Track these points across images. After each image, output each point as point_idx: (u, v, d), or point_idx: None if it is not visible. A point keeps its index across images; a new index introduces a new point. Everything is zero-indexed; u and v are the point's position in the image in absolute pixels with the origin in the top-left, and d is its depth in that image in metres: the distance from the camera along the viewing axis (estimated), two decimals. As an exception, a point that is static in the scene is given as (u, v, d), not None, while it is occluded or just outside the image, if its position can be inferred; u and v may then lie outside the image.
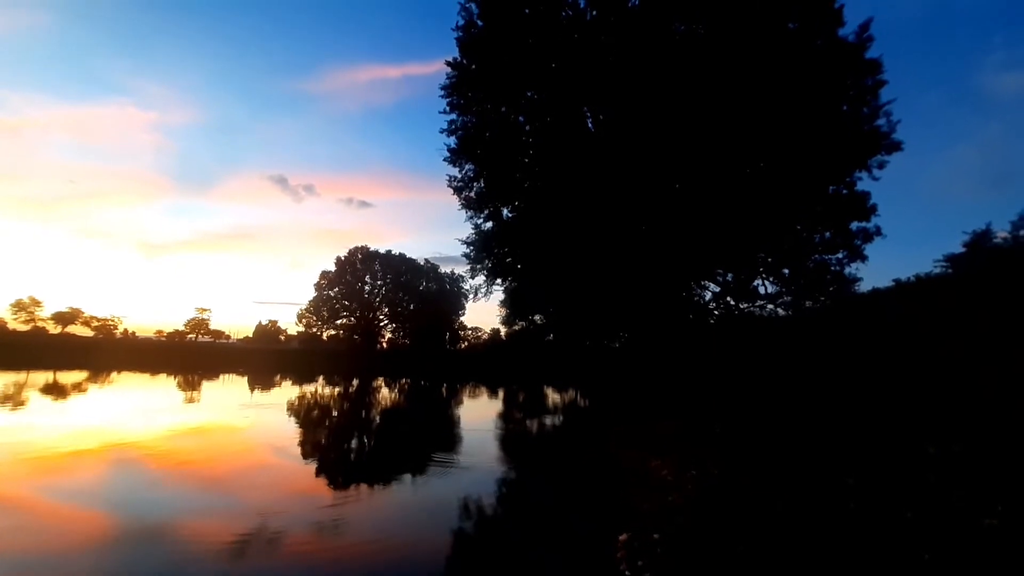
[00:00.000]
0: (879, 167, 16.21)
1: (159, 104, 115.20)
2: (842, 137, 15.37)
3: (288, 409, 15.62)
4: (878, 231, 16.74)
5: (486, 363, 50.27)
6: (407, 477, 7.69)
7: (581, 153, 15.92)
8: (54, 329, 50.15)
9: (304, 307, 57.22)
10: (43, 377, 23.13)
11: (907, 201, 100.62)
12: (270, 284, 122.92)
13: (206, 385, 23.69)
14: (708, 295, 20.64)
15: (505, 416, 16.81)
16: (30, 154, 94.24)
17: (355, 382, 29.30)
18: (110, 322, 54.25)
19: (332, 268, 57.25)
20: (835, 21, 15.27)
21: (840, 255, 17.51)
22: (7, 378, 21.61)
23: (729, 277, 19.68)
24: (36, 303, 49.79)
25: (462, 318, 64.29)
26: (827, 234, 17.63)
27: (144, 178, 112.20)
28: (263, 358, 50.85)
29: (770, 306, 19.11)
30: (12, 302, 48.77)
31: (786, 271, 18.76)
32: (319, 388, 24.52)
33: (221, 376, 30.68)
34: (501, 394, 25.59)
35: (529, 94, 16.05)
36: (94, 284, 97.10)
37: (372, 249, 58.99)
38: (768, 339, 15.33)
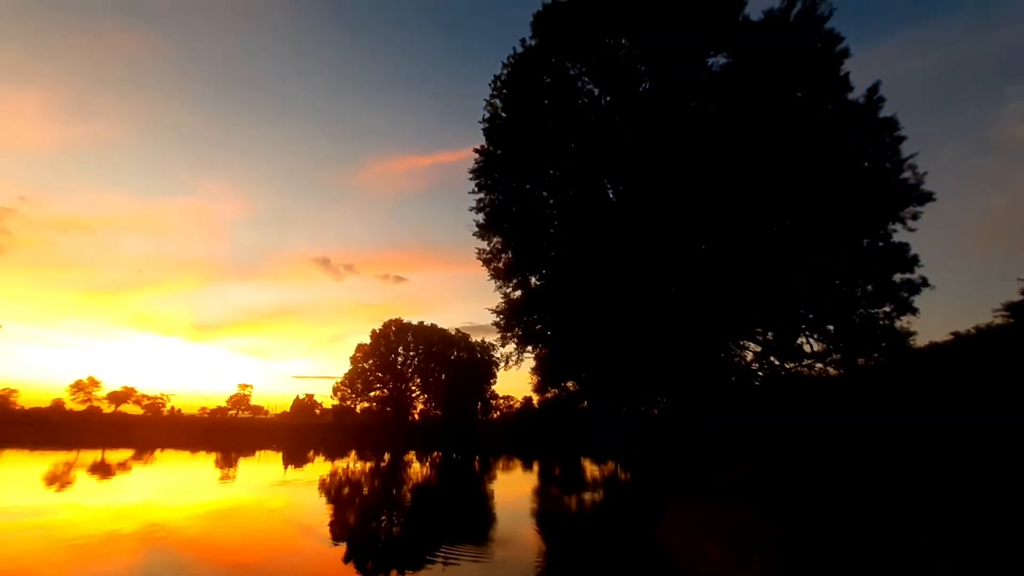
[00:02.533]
0: (913, 218, 15.88)
1: (216, 199, 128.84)
2: (867, 192, 15.34)
3: (319, 487, 15.38)
4: (924, 282, 15.98)
5: (519, 433, 48.44)
6: (438, 566, 7.28)
7: (604, 222, 16.46)
8: (108, 408, 52.60)
9: (340, 380, 58.05)
10: (92, 456, 23.94)
11: (957, 252, 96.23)
12: (311, 359, 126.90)
13: (242, 462, 23.80)
14: (749, 356, 19.74)
15: (541, 492, 15.89)
16: (102, 248, 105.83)
17: (386, 457, 28.70)
18: (159, 400, 56.54)
19: (368, 341, 58.67)
20: (842, 87, 15.92)
21: (887, 308, 16.67)
22: (58, 458, 22.50)
23: (769, 336, 18.90)
24: (95, 383, 52.86)
25: (493, 386, 63.31)
26: (869, 287, 16.95)
27: (200, 265, 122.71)
28: (298, 433, 51.07)
29: (818, 365, 18.01)
30: (72, 383, 51.93)
31: (831, 327, 17.89)
32: (350, 464, 24.13)
33: (257, 452, 30.79)
34: (536, 467, 24.34)
35: (551, 171, 17.10)
36: (149, 364, 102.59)
37: (405, 321, 60.50)
38: (820, 400, 14.29)
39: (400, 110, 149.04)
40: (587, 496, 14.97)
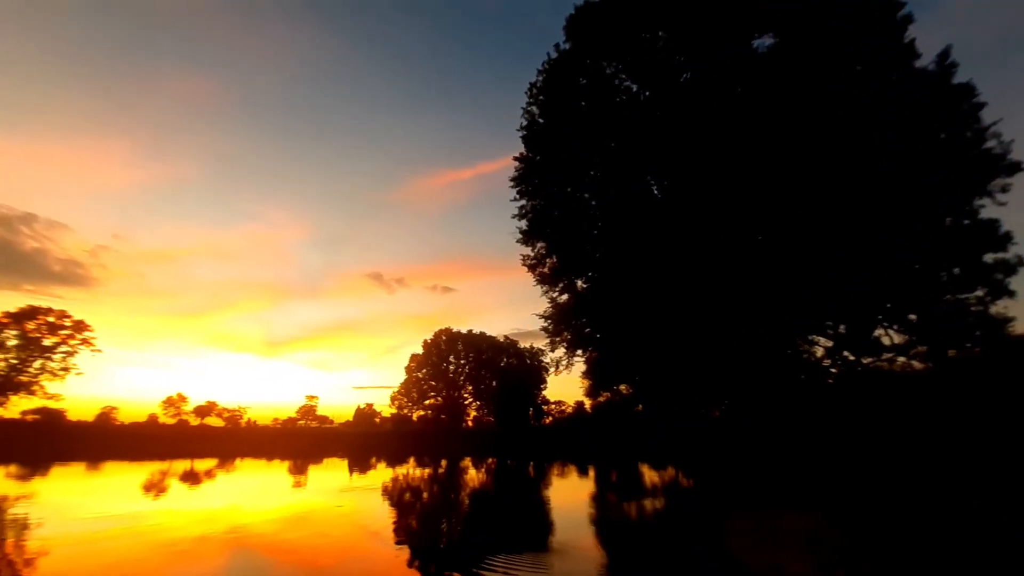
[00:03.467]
0: (1002, 191, 14.22)
1: (280, 224, 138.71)
2: (947, 166, 13.93)
3: (382, 492, 15.98)
4: (1021, 261, 14.23)
5: (572, 438, 47.81)
6: (498, 568, 7.35)
7: (650, 219, 16.07)
8: (194, 421, 57.68)
9: (396, 389, 60.23)
10: (182, 465, 26.30)
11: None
12: (369, 370, 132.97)
13: (311, 469, 25.23)
14: (819, 351, 18.37)
15: (598, 499, 15.59)
16: (184, 276, 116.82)
17: (443, 463, 29.33)
18: (237, 413, 61.22)
19: (420, 351, 60.50)
20: (908, 55, 14.63)
21: (979, 292, 14.97)
22: (154, 467, 24.94)
23: (842, 329, 17.52)
24: (182, 399, 58.19)
25: (544, 392, 63.05)
26: (956, 270, 15.32)
27: (268, 287, 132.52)
28: (360, 440, 53.37)
29: (901, 358, 16.46)
30: (163, 399, 57.47)
31: (913, 316, 16.31)
32: (410, 470, 24.89)
33: (324, 459, 32.52)
34: (591, 473, 23.91)
35: (592, 173, 16.97)
36: (227, 379, 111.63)
37: (455, 330, 61.81)
38: (905, 398, 13.04)
39: (438, 127, 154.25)
40: (647, 503, 14.50)
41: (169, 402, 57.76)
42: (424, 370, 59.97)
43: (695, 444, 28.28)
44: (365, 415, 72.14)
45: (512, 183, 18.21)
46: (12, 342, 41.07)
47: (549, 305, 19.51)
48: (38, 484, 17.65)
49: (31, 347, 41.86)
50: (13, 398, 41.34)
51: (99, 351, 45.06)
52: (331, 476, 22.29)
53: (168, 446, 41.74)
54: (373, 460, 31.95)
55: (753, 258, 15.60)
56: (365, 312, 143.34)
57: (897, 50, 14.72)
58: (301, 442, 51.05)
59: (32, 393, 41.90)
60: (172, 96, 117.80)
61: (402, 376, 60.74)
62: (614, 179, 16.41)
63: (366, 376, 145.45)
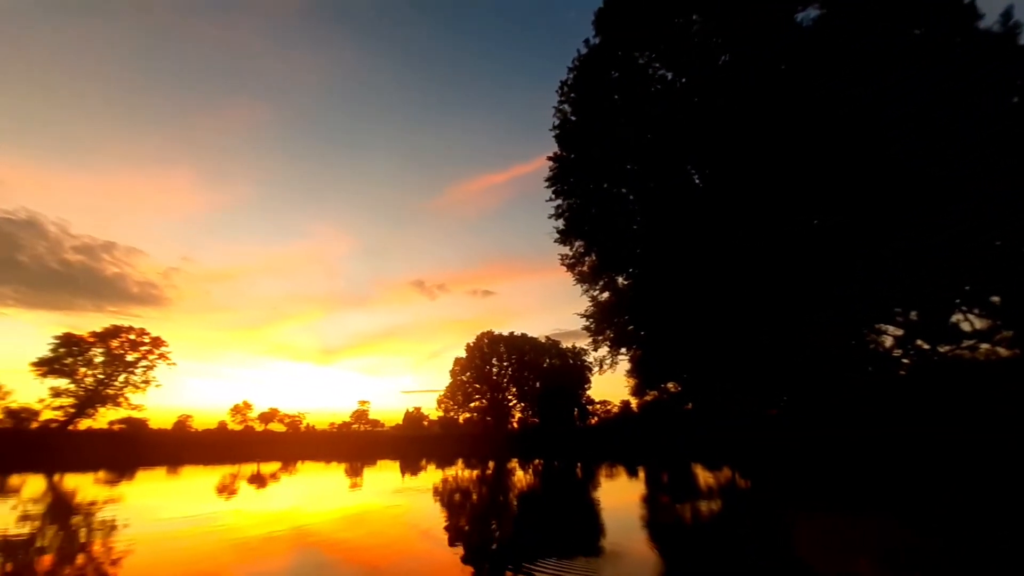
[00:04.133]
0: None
1: (327, 239, 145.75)
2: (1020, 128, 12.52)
3: (433, 493, 16.31)
4: None
5: (619, 438, 46.85)
6: (549, 571, 7.29)
7: (692, 209, 15.47)
8: (259, 427, 61.46)
9: (442, 393, 61.44)
10: (250, 469, 28.03)
11: None
12: (415, 374, 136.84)
13: (366, 471, 26.19)
14: (888, 341, 16.96)
15: (650, 501, 15.16)
16: (244, 292, 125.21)
17: (490, 464, 29.57)
18: (297, 418, 64.63)
19: (464, 355, 61.41)
20: (969, 16, 13.31)
21: (1078, 269, 13.30)
22: (224, 471, 26.74)
23: (913, 315, 16.12)
24: (248, 406, 62.17)
25: (588, 392, 62.24)
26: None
27: (320, 298, 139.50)
28: (410, 443, 54.90)
29: (984, 345, 14.91)
30: (231, 407, 61.63)
31: (996, 298, 14.76)
32: (459, 472, 25.27)
33: (378, 461, 33.67)
34: (641, 474, 23.29)
35: (628, 167, 16.56)
36: (287, 387, 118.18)
37: (497, 333, 62.28)
38: (989, 388, 11.80)
39: (472, 132, 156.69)
40: (703, 505, 13.94)
41: (236, 409, 61.89)
42: (468, 373, 60.80)
43: (752, 443, 26.91)
44: (414, 418, 74.08)
45: (547, 183, 18.10)
46: (99, 359, 45.55)
47: (590, 304, 19.24)
48: (124, 488, 19.37)
49: (116, 363, 46.23)
50: (101, 410, 45.84)
51: (174, 364, 49.35)
52: (384, 478, 23.02)
53: (236, 451, 44.72)
54: (423, 462, 32.72)
55: (809, 241, 14.61)
56: (409, 319, 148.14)
57: (957, 12, 13.41)
58: (355, 445, 53.17)
59: (118, 405, 46.33)
60: (228, 124, 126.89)
61: (447, 380, 61.96)
62: (652, 171, 15.91)
63: (413, 380, 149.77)
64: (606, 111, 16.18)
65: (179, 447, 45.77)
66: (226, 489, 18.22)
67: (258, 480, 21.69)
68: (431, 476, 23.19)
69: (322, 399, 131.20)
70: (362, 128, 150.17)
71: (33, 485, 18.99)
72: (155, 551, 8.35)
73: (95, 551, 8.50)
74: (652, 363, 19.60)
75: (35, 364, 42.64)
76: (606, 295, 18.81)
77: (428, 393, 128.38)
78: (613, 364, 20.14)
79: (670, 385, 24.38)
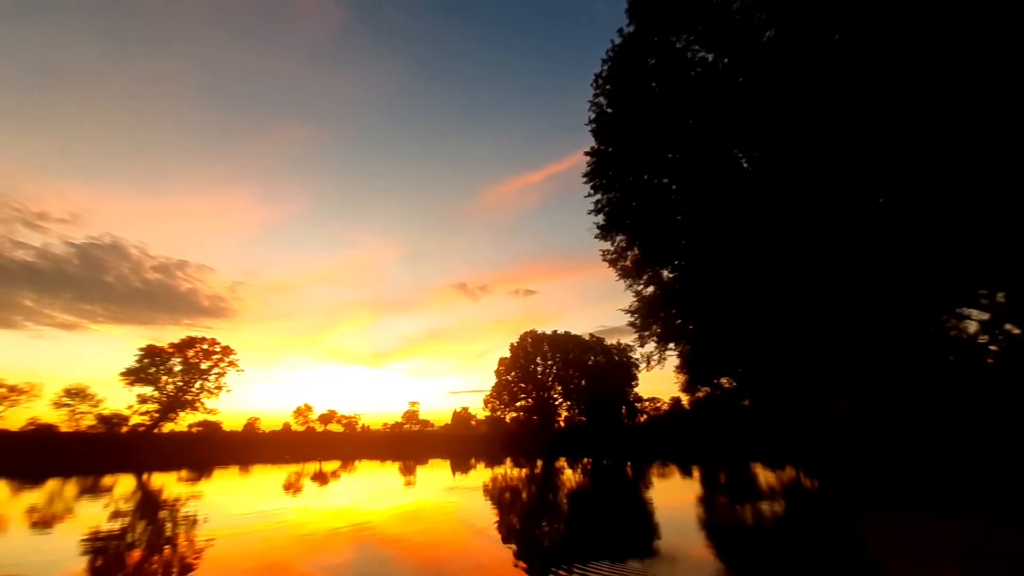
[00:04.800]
0: None
1: (373, 248, 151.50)
2: None
3: (484, 492, 16.54)
4: None
5: (670, 436, 45.41)
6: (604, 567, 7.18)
7: (742, 194, 14.67)
8: (319, 428, 64.85)
9: (488, 393, 62.10)
10: (312, 467, 29.63)
11: None
12: (461, 375, 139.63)
13: (419, 469, 26.99)
14: (972, 327, 15.34)
15: (706, 502, 14.59)
16: (300, 301, 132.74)
17: (539, 463, 29.57)
18: (353, 419, 67.63)
19: (508, 354, 61.79)
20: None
21: None
22: (289, 470, 28.42)
23: (1000, 297, 14.49)
24: (309, 408, 65.78)
25: (636, 389, 60.74)
26: None
27: (369, 304, 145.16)
28: (459, 443, 56.05)
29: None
30: (294, 409, 65.47)
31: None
32: (507, 470, 25.46)
33: (429, 460, 34.61)
34: (696, 474, 22.45)
35: (670, 155, 15.98)
36: (343, 389, 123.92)
37: (540, 332, 62.16)
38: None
39: (504, 135, 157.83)
40: (765, 507, 13.23)
41: (298, 412, 65.68)
42: (513, 373, 61.10)
43: (818, 441, 25.25)
44: (461, 418, 75.42)
45: (585, 179, 17.78)
46: (178, 367, 49.87)
47: (634, 299, 18.73)
48: (204, 485, 21.03)
49: (192, 371, 50.47)
50: (182, 414, 50.15)
51: (242, 371, 53.29)
52: (436, 476, 23.62)
53: (300, 450, 47.52)
54: (472, 461, 33.25)
55: (876, 220, 13.45)
56: (454, 321, 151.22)
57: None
58: (407, 445, 54.93)
59: (195, 409, 50.56)
60: (278, 146, 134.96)
61: (493, 380, 62.53)
62: (696, 158, 15.23)
63: (459, 381, 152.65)
64: (644, 100, 15.69)
65: (249, 447, 49.22)
66: (292, 486, 19.36)
67: (320, 478, 22.90)
68: (480, 475, 23.53)
69: (374, 401, 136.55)
70: (400, 138, 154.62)
71: (124, 484, 21.04)
72: (232, 544, 9.02)
73: (180, 544, 9.31)
74: (703, 358, 18.78)
75: (123, 374, 47.43)
76: (651, 289, 18.26)
77: (474, 393, 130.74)
78: (661, 360, 19.52)
79: (724, 380, 23.34)
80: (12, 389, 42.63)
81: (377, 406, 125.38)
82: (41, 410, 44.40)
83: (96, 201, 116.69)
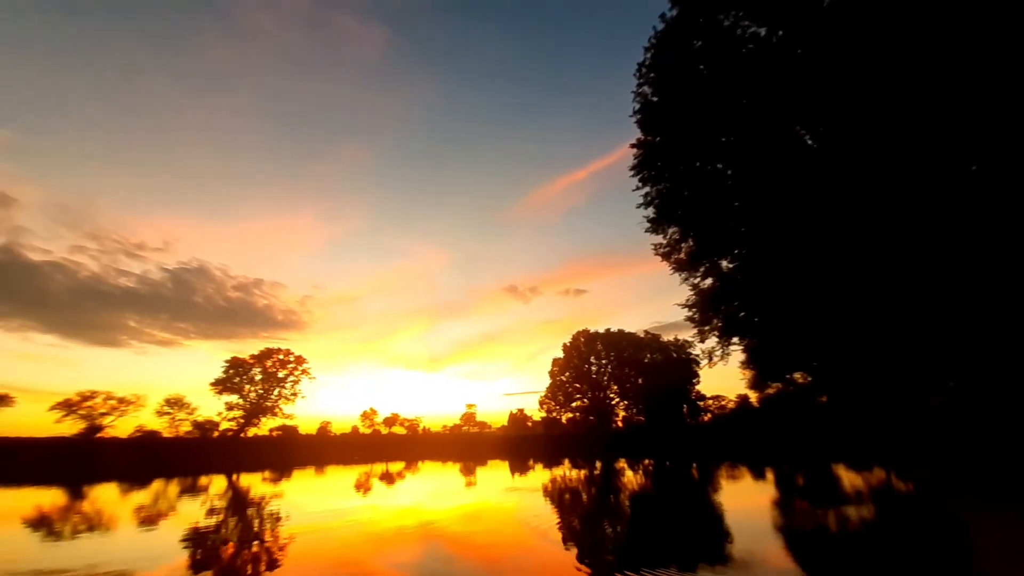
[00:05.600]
0: None
1: (425, 256, 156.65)
2: None
3: (543, 493, 16.50)
4: None
5: (738, 436, 42.90)
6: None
7: (809, 173, 13.56)
8: (384, 430, 67.93)
9: (543, 394, 61.97)
10: (379, 468, 31.03)
11: None
12: (515, 377, 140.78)
13: (478, 470, 27.45)
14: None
15: (783, 506, 13.62)
16: (362, 311, 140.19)
17: (598, 465, 29.05)
18: (414, 422, 70.21)
19: (561, 355, 61.37)
20: None
21: None
22: (358, 470, 29.93)
23: None
24: (374, 412, 69.18)
25: (697, 387, 58.03)
26: None
27: (424, 311, 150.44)
28: (516, 444, 56.37)
29: None
30: (361, 413, 69.06)
31: None
32: (566, 472, 25.24)
33: (488, 461, 35.11)
34: (769, 475, 21.03)
35: (723, 139, 15.12)
36: (404, 393, 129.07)
37: (592, 331, 61.19)
38: None
39: (548, 135, 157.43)
40: (851, 511, 12.13)
41: (364, 415, 69.21)
42: (567, 373, 60.55)
43: (912, 439, 22.86)
44: (518, 420, 75.82)
45: (632, 172, 17.24)
46: (258, 377, 54.44)
47: (691, 293, 17.87)
48: (284, 485, 22.65)
49: (271, 379, 54.87)
50: (263, 419, 54.59)
51: (313, 378, 57.42)
52: (495, 476, 23.89)
53: (368, 452, 50.03)
54: (530, 462, 33.30)
55: (970, 191, 11.93)
56: (506, 323, 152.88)
57: None
58: (466, 446, 56.10)
59: (275, 414, 54.94)
60: (335, 166, 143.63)
61: (547, 381, 62.33)
62: (753, 140, 14.26)
63: (514, 383, 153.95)
64: (692, 84, 14.96)
65: (322, 449, 52.52)
66: (362, 486, 20.39)
67: (387, 478, 23.93)
68: (539, 476, 23.50)
69: (433, 404, 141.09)
70: (446, 147, 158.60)
71: (217, 484, 23.14)
72: (311, 541, 9.65)
73: (267, 540, 10.09)
74: (773, 352, 17.49)
75: (213, 384, 52.52)
76: (709, 282, 17.34)
77: (529, 395, 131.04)
78: (724, 356, 18.46)
79: (797, 375, 21.66)
80: (121, 400, 48.31)
81: (436, 409, 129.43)
82: (146, 418, 50.10)
83: (183, 229, 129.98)
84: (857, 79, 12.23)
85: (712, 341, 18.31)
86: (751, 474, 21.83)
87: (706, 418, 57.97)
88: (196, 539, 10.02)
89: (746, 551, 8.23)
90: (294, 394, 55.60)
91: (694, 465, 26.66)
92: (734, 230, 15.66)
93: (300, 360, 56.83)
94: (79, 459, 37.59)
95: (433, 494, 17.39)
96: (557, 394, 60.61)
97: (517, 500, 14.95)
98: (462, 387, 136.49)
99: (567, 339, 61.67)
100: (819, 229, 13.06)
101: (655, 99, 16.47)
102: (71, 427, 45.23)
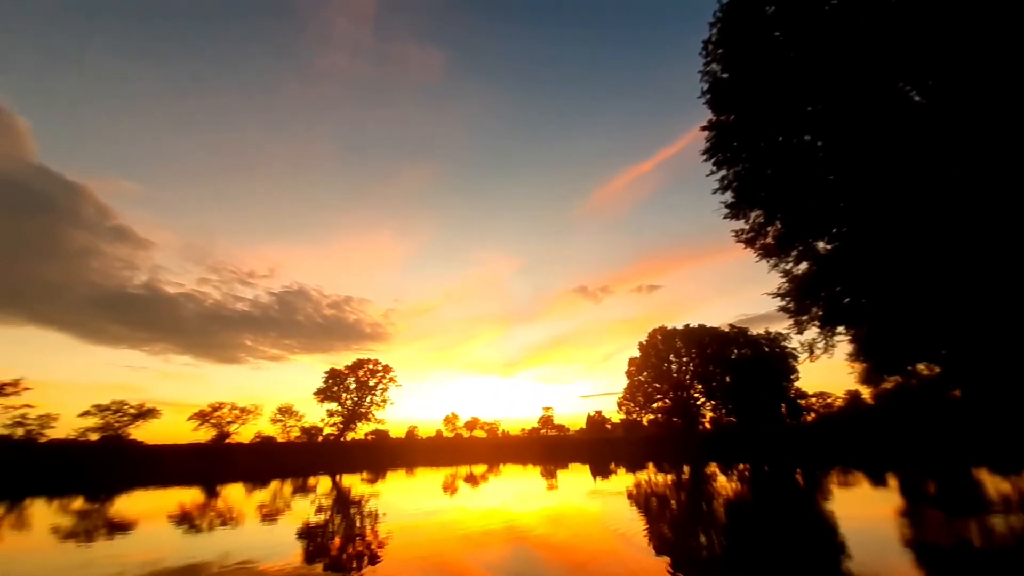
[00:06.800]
0: None
1: (494, 264, 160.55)
2: None
3: (627, 498, 15.94)
4: None
5: (849, 437, 38.20)
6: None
7: (925, 130, 11.74)
8: (466, 434, 70.31)
9: (621, 395, 60.10)
10: (464, 470, 32.09)
11: None
12: (590, 379, 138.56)
13: (559, 473, 27.28)
14: None
15: (911, 516, 11.85)
16: (438, 320, 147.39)
17: (686, 469, 27.46)
18: (493, 425, 71.86)
19: (637, 354, 59.17)
20: None
21: None
22: (445, 471, 31.17)
23: None
24: (456, 417, 72.03)
25: (796, 383, 52.71)
26: None
27: (496, 318, 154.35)
28: (595, 447, 55.27)
29: None
30: (444, 417, 72.24)
31: None
32: (651, 476, 24.18)
33: (568, 464, 34.78)
34: (891, 482, 18.44)
35: (809, 108, 13.59)
36: (482, 398, 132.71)
37: (670, 327, 58.31)
38: None
39: (608, 131, 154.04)
40: (998, 521, 10.21)
41: (447, 420, 72.24)
42: (645, 373, 58.11)
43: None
44: (596, 422, 74.30)
45: (705, 156, 16.09)
46: (352, 385, 59.35)
47: (783, 280, 16.21)
48: (380, 485, 24.23)
49: (363, 388, 59.62)
50: (359, 424, 59.25)
51: (400, 385, 61.56)
52: (576, 480, 23.56)
53: (451, 454, 52.07)
54: (612, 465, 32.41)
55: None
56: (577, 325, 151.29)
57: None
58: (545, 449, 56.10)
59: (368, 420, 59.44)
60: (406, 186, 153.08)
61: (623, 381, 60.34)
62: (848, 102, 12.60)
63: (589, 385, 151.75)
64: (767, 53, 13.68)
65: (411, 452, 55.63)
66: (448, 487, 21.20)
67: (471, 480, 24.64)
68: (622, 480, 22.76)
69: (509, 408, 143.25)
70: (508, 154, 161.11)
71: (323, 484, 25.36)
72: (406, 538, 10.20)
73: (368, 535, 10.84)
74: (889, 340, 15.22)
75: (315, 393, 58.28)
76: (803, 266, 15.60)
77: (606, 396, 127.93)
78: (828, 348, 16.46)
79: (921, 366, 18.77)
80: (243, 410, 55.13)
81: (513, 413, 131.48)
82: (263, 425, 56.65)
83: (283, 256, 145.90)
84: (972, 13, 10.42)
85: (812, 332, 16.46)
86: (869, 480, 19.30)
87: (809, 418, 52.52)
88: (309, 533, 11.06)
89: (868, 568, 7.26)
90: (384, 400, 59.96)
91: (798, 470, 24.21)
92: (831, 207, 13.98)
93: (387, 369, 61.10)
94: (212, 462, 43.35)
95: (516, 496, 17.56)
96: (636, 395, 58.44)
97: (601, 504, 14.59)
98: (537, 391, 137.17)
99: (642, 338, 59.38)
100: (944, 190, 11.19)
101: (725, 76, 15.31)
102: (205, 434, 52.41)
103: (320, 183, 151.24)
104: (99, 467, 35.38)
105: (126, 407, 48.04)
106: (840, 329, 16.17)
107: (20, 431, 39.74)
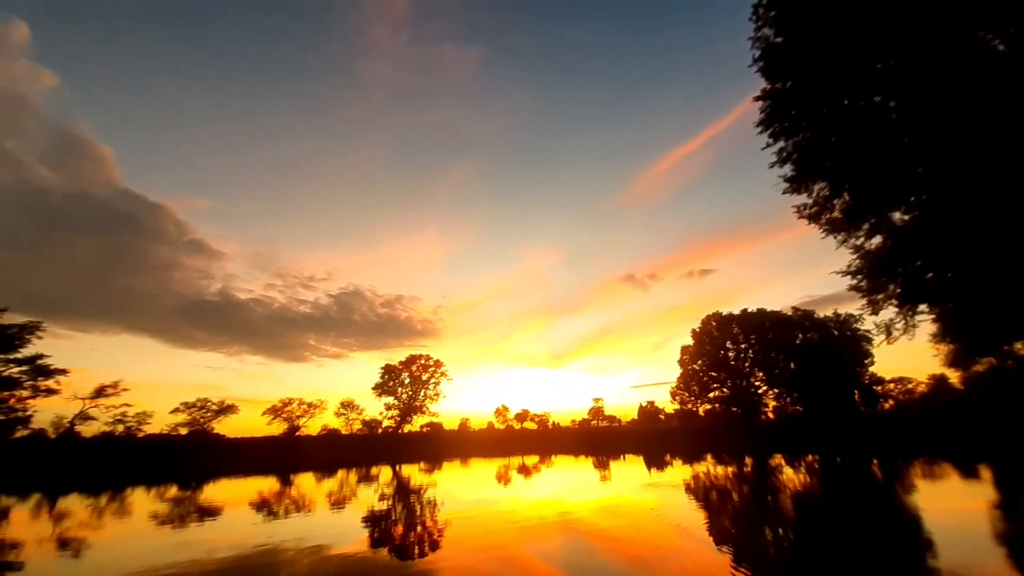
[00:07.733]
0: None
1: (537, 258, 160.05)
2: None
3: (685, 490, 15.44)
4: None
5: (934, 426, 34.82)
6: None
7: (1012, 86, 10.39)
8: (517, 426, 71.12)
9: (674, 384, 58.21)
10: (516, 461, 32.48)
11: None
12: (640, 369, 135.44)
13: (612, 465, 26.93)
14: None
15: (1009, 511, 10.62)
16: (485, 315, 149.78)
17: (747, 461, 26.18)
18: (544, 417, 72.17)
19: (690, 342, 56.99)
20: None
21: None
22: (498, 462, 31.68)
23: None
24: (506, 409, 72.99)
25: (871, 368, 48.63)
26: None
27: (541, 310, 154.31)
28: (648, 437, 54.07)
29: None
30: (494, 409, 73.43)
31: None
32: (709, 468, 23.28)
33: (621, 455, 34.25)
34: (985, 474, 16.60)
35: (878, 66, 12.28)
36: (531, 390, 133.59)
37: (725, 312, 55.62)
38: None
39: (648, 114, 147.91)
40: None
41: (498, 412, 73.37)
42: (699, 361, 55.77)
43: None
44: (648, 412, 72.61)
45: (760, 127, 14.97)
46: (407, 380, 61.75)
47: (854, 256, 14.85)
48: (436, 475, 25.04)
49: (417, 382, 61.90)
50: (415, 417, 61.62)
51: (451, 379, 63.32)
52: (630, 471, 23.14)
53: (503, 446, 52.86)
54: (667, 457, 31.53)
55: None
56: (625, 315, 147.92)
57: None
58: (596, 440, 55.59)
59: (423, 413, 61.64)
60: (448, 186, 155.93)
61: (676, 370, 58.33)
62: (924, 57, 11.26)
63: (639, 375, 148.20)
64: (826, 9, 12.50)
65: (464, 443, 57.07)
66: (502, 478, 21.53)
67: (524, 471, 24.88)
68: (678, 472, 22.08)
69: (559, 399, 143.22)
70: (546, 149, 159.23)
71: (384, 474, 26.58)
72: (463, 526, 10.47)
73: (427, 523, 11.25)
74: (981, 317, 13.56)
75: (374, 388, 61.13)
76: (877, 240, 14.20)
77: (658, 386, 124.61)
78: (908, 329, 14.96)
79: (1019, 345, 16.64)
80: (310, 405, 58.81)
81: (562, 404, 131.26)
82: (328, 419, 60.03)
83: (339, 260, 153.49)
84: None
85: (889, 312, 15.02)
86: (958, 472, 17.52)
87: (887, 405, 48.43)
88: (373, 520, 11.63)
89: (959, 566, 6.59)
90: (436, 394, 62.00)
91: (874, 461, 22.41)
92: (908, 172, 12.64)
93: (439, 364, 63.02)
94: (285, 453, 46.65)
95: (569, 487, 17.52)
96: (691, 384, 56.32)
97: (657, 496, 14.23)
98: (586, 382, 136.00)
99: (695, 325, 57.00)
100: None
101: (779, 40, 14.20)
102: (277, 428, 56.43)
103: (369, 189, 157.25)
104: (189, 459, 39.11)
105: (209, 404, 52.66)
106: (922, 307, 14.67)
107: (120, 427, 44.70)
